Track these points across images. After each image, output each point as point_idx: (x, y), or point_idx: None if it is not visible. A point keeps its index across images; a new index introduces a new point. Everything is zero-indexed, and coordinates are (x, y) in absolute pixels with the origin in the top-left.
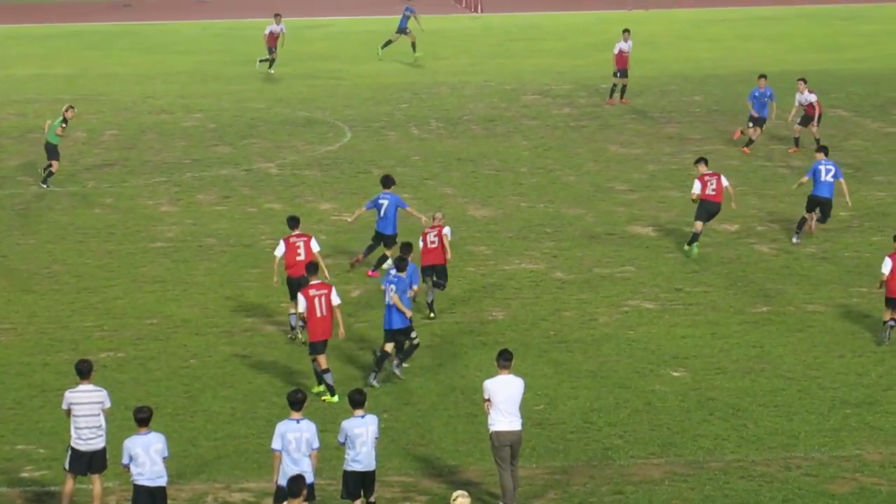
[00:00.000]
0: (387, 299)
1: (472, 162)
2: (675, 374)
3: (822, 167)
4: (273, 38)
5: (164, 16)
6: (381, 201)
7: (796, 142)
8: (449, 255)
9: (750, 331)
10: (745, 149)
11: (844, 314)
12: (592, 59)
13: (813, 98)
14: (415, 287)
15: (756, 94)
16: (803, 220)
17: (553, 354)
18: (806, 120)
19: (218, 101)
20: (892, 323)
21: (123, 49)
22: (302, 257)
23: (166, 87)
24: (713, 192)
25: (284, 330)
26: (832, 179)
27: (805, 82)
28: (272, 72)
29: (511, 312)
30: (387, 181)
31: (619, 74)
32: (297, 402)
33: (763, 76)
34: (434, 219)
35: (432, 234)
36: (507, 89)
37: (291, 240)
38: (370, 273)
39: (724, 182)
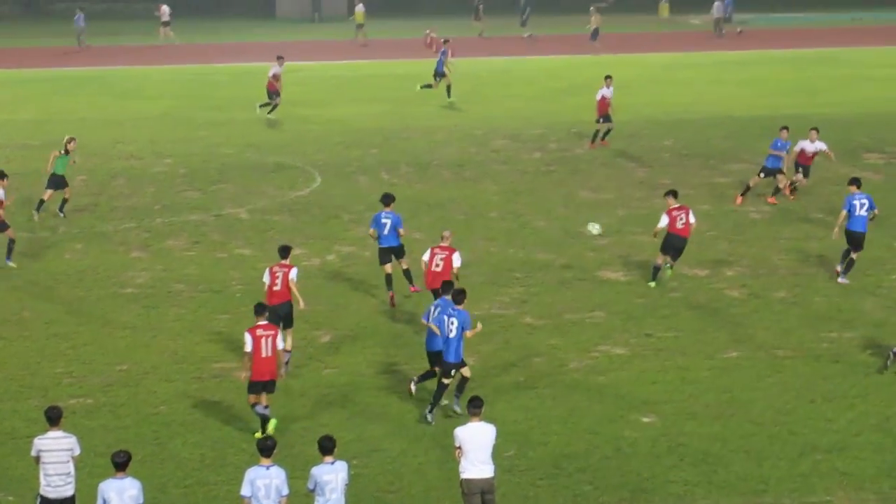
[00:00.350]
0: (445, 332)
1: (442, 207)
2: (645, 419)
3: (856, 201)
4: (275, 81)
5: (133, 61)
6: (383, 220)
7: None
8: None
9: (720, 376)
10: (772, 199)
11: (815, 359)
12: (562, 104)
13: (823, 146)
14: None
15: (779, 145)
16: (847, 252)
17: (523, 400)
18: (805, 170)
19: (188, 146)
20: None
21: (93, 94)
22: (279, 287)
23: (136, 132)
24: (682, 227)
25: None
26: (866, 213)
27: (818, 131)
28: (271, 116)
29: (481, 358)
30: (387, 199)
31: (601, 120)
32: (266, 448)
33: (785, 127)
34: (443, 238)
35: (439, 257)
36: (478, 134)
37: (274, 269)
38: (413, 289)
39: (692, 218)
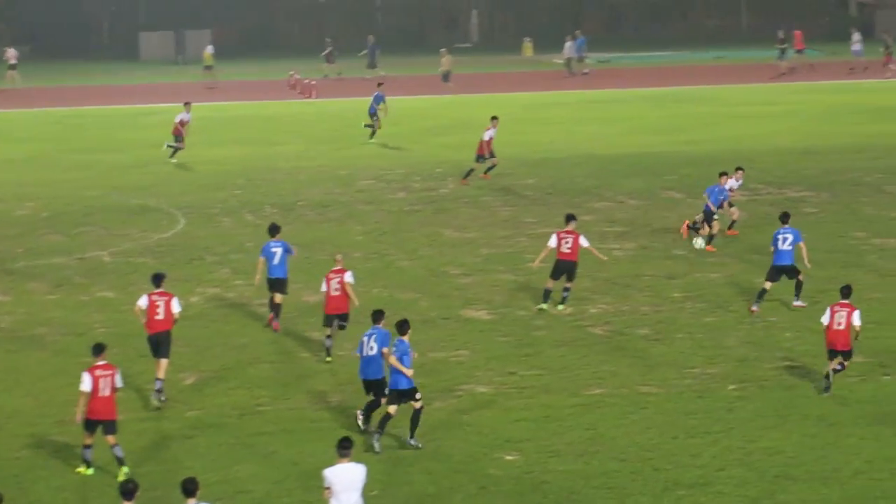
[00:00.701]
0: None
1: (307, 247)
2: (508, 457)
3: (780, 236)
4: (181, 126)
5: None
6: (272, 250)
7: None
8: (356, 303)
9: (584, 413)
10: (710, 247)
11: (678, 395)
12: (426, 144)
13: (741, 181)
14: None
15: (716, 190)
16: (763, 291)
17: (386, 439)
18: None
19: (52, 189)
20: (837, 368)
21: None
22: (161, 316)
23: (0, 175)
24: (568, 251)
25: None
26: (790, 247)
27: (743, 171)
28: (174, 160)
29: (345, 398)
30: (274, 230)
31: (480, 159)
32: (128, 491)
33: (724, 174)
34: (336, 262)
35: (335, 281)
36: (342, 174)
37: (153, 297)
38: (275, 327)
39: (584, 243)
